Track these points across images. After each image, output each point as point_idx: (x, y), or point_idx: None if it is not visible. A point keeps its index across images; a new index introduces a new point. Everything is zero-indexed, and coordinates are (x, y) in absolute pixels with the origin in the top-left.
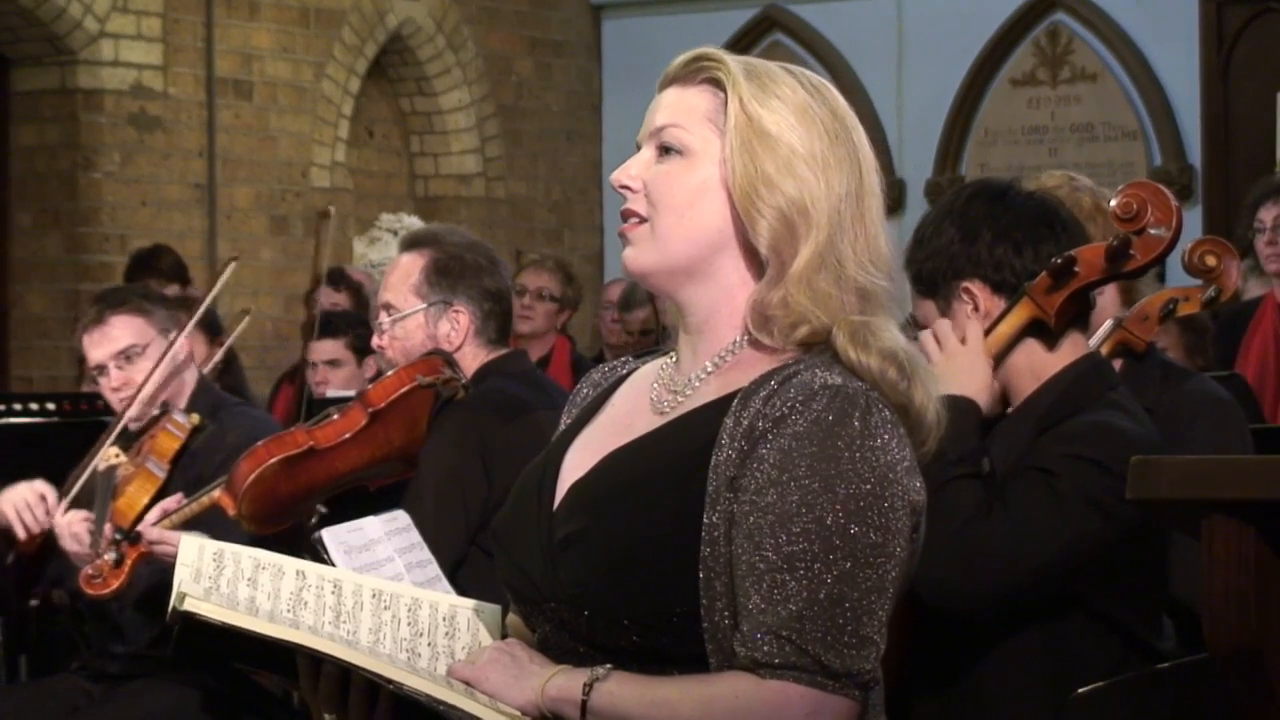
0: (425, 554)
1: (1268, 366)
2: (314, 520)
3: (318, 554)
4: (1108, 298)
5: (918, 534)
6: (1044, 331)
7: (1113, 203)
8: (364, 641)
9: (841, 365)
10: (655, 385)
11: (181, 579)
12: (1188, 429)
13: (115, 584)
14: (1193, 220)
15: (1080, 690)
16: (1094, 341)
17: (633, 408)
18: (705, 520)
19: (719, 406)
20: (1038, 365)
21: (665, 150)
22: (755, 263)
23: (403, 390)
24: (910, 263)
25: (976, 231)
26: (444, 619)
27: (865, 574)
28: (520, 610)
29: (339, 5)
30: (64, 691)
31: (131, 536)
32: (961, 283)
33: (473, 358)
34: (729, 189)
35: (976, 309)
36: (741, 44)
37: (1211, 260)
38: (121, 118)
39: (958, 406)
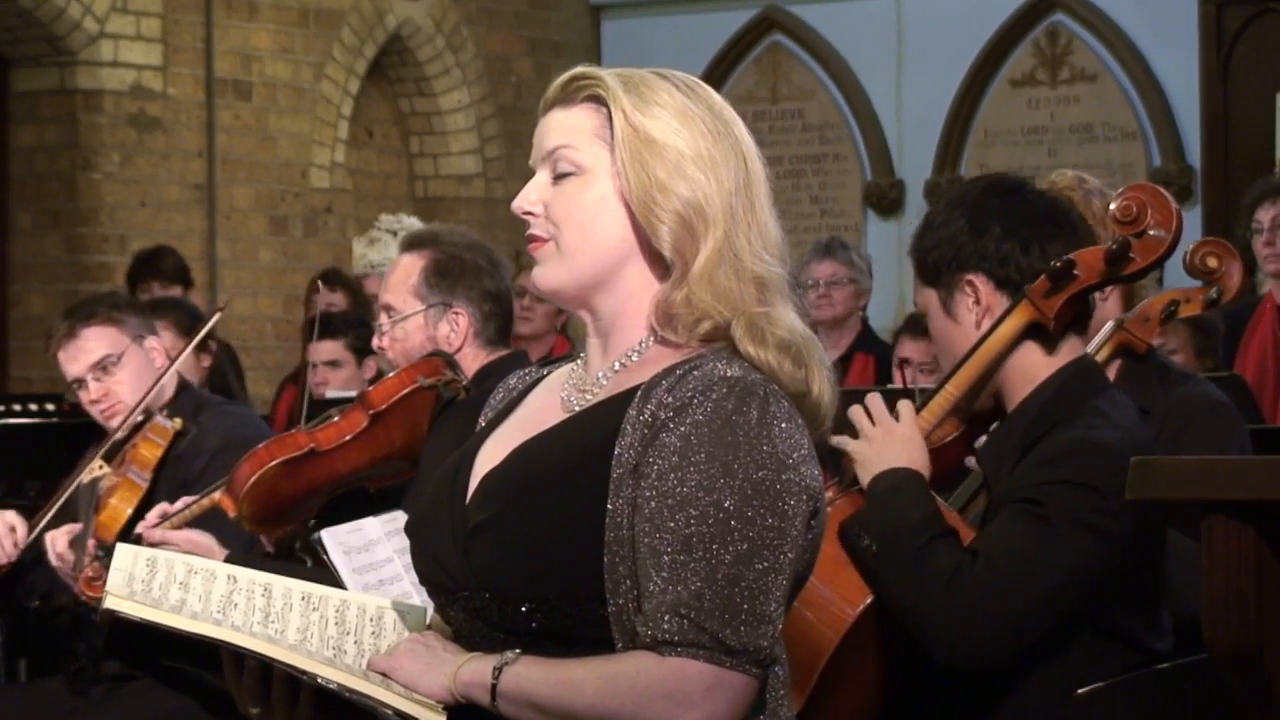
0: None
1: (1266, 367)
2: (313, 521)
3: (317, 554)
4: (1111, 300)
5: (817, 520)
6: (1043, 334)
7: (1112, 206)
8: (290, 640)
9: (741, 358)
10: (566, 386)
11: (113, 582)
12: (1184, 432)
13: None
14: (1192, 221)
15: (1080, 691)
16: (1095, 343)
17: (543, 406)
18: (609, 506)
19: (623, 399)
20: (1032, 369)
21: (560, 171)
22: (659, 265)
23: (404, 392)
24: (916, 249)
25: (986, 225)
26: (371, 619)
27: (762, 555)
28: (436, 601)
29: (338, 6)
30: (63, 693)
31: (132, 538)
32: (965, 275)
33: (473, 359)
34: (626, 200)
35: (978, 302)
36: (741, 45)
37: (1213, 262)
38: (121, 118)
39: (899, 478)
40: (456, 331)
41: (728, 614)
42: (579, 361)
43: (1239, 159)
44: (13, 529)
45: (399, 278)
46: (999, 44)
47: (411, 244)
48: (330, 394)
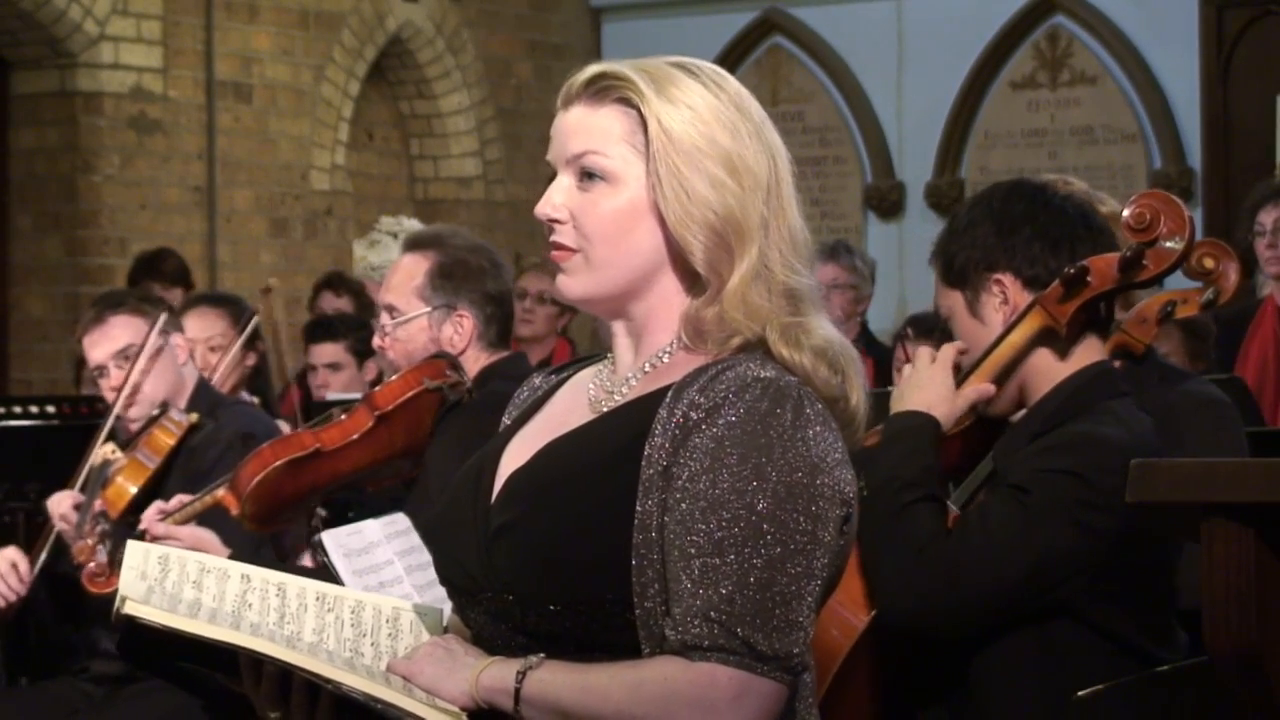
0: (425, 556)
1: (1267, 369)
2: (314, 523)
3: (318, 557)
4: None
5: (849, 525)
6: (1055, 340)
7: (1125, 213)
8: (307, 641)
9: (774, 361)
10: (592, 386)
11: (126, 581)
12: (1182, 430)
13: (118, 582)
14: None
15: (1080, 693)
16: None
17: (570, 406)
18: (639, 508)
19: (653, 399)
20: (1051, 370)
21: (587, 176)
22: (690, 274)
23: (410, 394)
24: (941, 253)
25: (1015, 226)
26: (387, 620)
27: (795, 560)
28: (457, 603)
29: (338, 8)
30: (64, 695)
31: (136, 534)
32: (993, 275)
33: (474, 361)
34: (659, 211)
35: (1006, 301)
36: (741, 47)
37: (1210, 263)
38: (121, 121)
39: (913, 423)
40: (460, 334)
41: (759, 619)
42: (606, 362)
43: (1239, 161)
44: (14, 565)
45: (402, 278)
46: (999, 46)
47: (415, 244)
48: (331, 396)
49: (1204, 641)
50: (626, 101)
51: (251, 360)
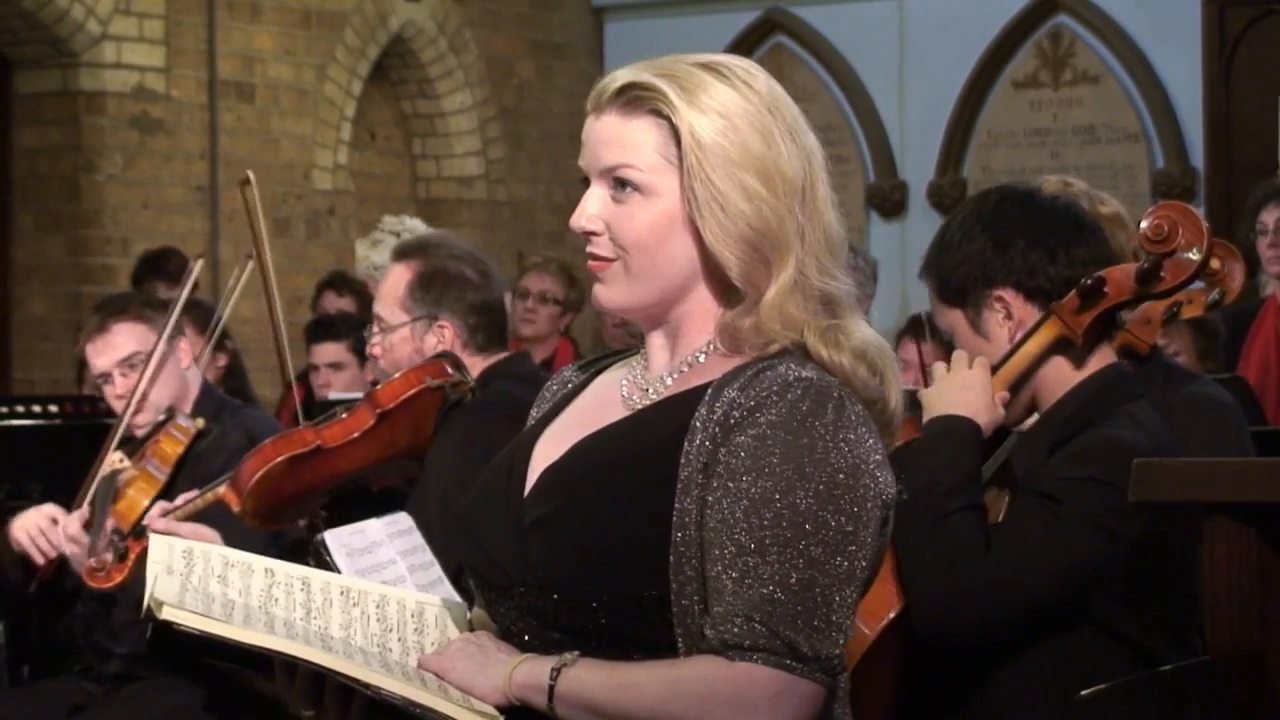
0: (428, 556)
1: (1269, 368)
2: (315, 523)
3: (321, 556)
4: None
5: (887, 527)
6: (1069, 349)
7: (1143, 225)
8: (335, 636)
9: (814, 362)
10: (625, 382)
11: (155, 576)
12: (1186, 432)
13: (119, 578)
14: None
15: (1083, 693)
16: None
17: (602, 402)
18: (677, 506)
19: (691, 396)
20: (1066, 377)
21: (620, 186)
22: (727, 284)
23: (411, 392)
24: (934, 270)
25: (1009, 238)
26: (412, 615)
27: (836, 561)
28: (485, 598)
29: (341, 8)
30: (66, 693)
31: (136, 531)
32: (994, 291)
33: (471, 365)
34: (694, 224)
35: (1009, 316)
36: (743, 47)
37: (1215, 263)
38: (123, 120)
39: (955, 428)
40: (443, 343)
41: (800, 620)
42: (637, 358)
43: (1241, 160)
44: (54, 520)
45: (388, 288)
46: (1002, 45)
47: (402, 254)
48: (333, 395)
49: (1205, 641)
50: (658, 112)
51: (223, 361)
